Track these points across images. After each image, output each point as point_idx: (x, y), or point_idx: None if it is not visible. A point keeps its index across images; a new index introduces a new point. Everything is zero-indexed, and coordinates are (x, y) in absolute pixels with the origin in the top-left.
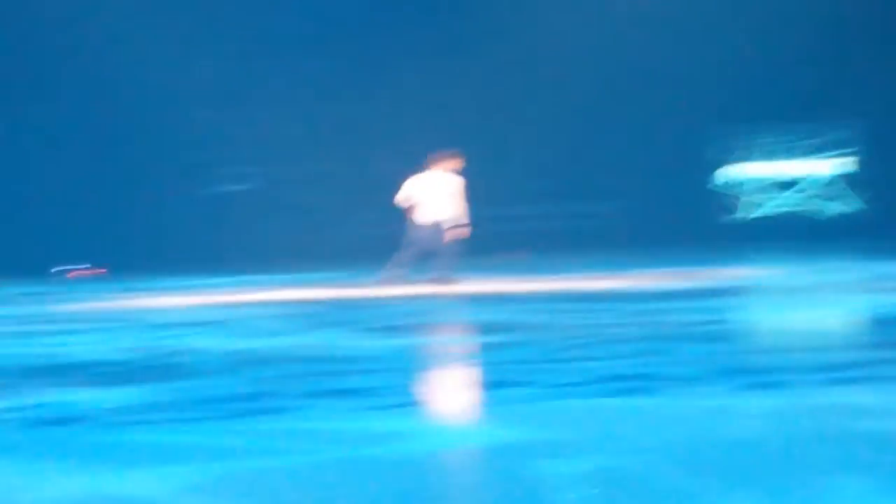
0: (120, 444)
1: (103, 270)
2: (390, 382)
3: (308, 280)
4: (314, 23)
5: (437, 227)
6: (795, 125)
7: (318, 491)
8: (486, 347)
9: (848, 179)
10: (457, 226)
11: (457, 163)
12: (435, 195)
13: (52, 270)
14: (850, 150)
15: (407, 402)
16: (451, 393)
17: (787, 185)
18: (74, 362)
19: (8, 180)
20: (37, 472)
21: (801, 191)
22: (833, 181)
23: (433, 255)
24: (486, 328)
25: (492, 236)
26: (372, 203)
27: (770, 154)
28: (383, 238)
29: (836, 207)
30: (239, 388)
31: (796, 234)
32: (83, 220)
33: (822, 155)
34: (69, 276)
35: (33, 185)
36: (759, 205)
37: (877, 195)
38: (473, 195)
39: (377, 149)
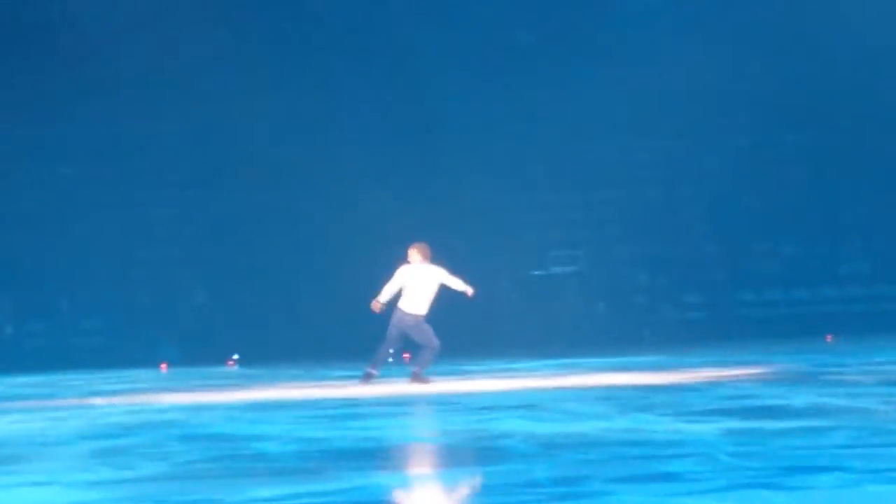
0: None
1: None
2: (703, 467)
3: (628, 364)
4: (649, 106)
5: (411, 318)
6: None
7: None
8: (795, 432)
9: None
10: (408, 315)
11: (425, 254)
12: (416, 286)
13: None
14: None
15: (720, 488)
16: (765, 478)
17: None
18: (389, 445)
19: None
20: None
21: None
22: None
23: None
24: (793, 413)
25: (794, 318)
26: (697, 286)
27: None
28: (704, 323)
29: None
30: (549, 473)
31: None
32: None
33: None
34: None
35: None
36: None
37: None
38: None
39: (700, 229)
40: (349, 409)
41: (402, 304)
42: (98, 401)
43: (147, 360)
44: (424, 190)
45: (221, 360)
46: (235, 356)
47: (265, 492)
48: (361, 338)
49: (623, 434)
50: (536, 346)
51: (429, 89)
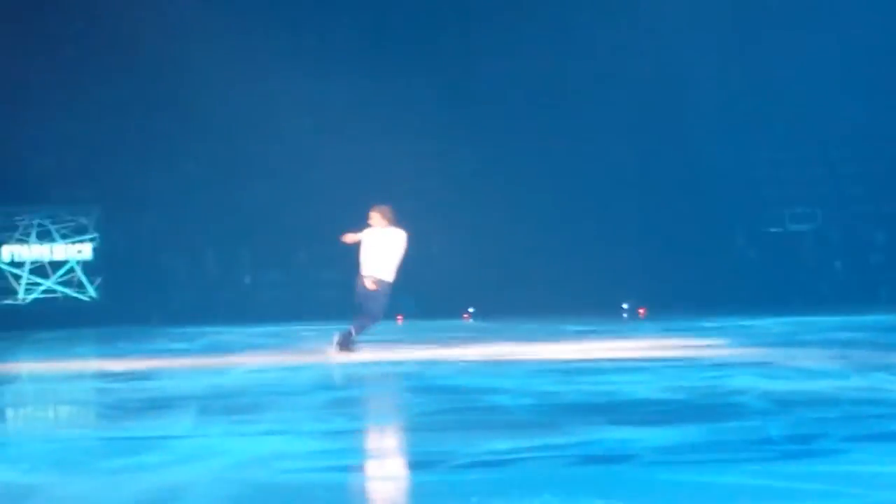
0: (661, 484)
1: (643, 311)
2: None
3: (864, 323)
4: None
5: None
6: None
7: None
8: None
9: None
10: (374, 280)
11: (388, 216)
12: (375, 249)
13: (623, 308)
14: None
15: None
16: None
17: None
18: (623, 401)
19: (579, 219)
20: None
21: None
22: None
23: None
24: None
25: None
26: None
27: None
28: None
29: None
30: (784, 430)
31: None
32: (636, 258)
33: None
34: (638, 313)
35: (599, 224)
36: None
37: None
38: None
39: None
40: (583, 364)
41: (367, 269)
42: (334, 352)
43: None
44: (664, 146)
45: (458, 313)
46: (471, 310)
47: (499, 444)
48: (592, 291)
49: (859, 392)
50: (771, 303)
51: (670, 50)
